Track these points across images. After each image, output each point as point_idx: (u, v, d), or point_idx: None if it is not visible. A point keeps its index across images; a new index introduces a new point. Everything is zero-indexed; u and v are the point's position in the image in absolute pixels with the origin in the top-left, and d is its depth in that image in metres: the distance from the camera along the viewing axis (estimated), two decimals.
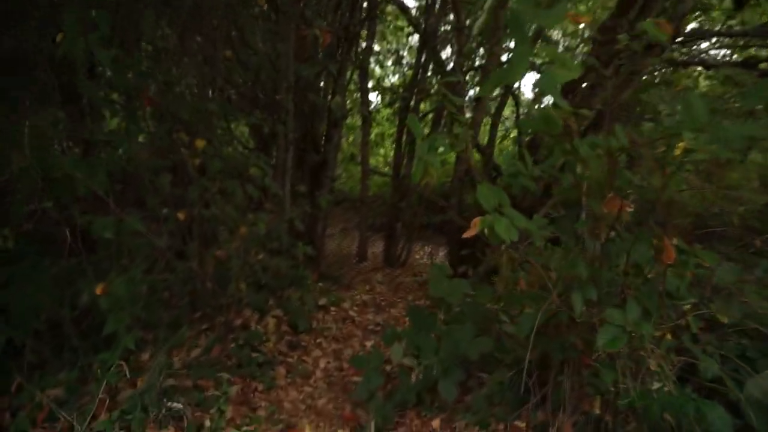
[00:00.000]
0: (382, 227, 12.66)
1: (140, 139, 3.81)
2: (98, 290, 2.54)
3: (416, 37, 8.87)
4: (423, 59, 7.63)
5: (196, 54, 4.06)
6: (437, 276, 3.40)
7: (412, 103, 7.76)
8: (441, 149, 2.24)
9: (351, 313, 4.88)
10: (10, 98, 2.76)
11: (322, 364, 3.80)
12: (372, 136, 9.15)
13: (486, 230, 1.88)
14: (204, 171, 3.88)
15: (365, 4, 5.98)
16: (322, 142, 6.00)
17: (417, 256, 10.00)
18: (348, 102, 8.31)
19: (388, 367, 3.64)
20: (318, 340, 4.19)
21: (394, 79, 10.95)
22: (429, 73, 7.81)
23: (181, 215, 3.38)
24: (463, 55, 5.90)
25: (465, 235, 1.89)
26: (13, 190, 2.49)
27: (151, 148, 3.65)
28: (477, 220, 1.88)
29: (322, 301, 4.93)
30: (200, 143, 3.74)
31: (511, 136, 11.97)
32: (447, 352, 2.90)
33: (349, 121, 10.08)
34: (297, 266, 4.91)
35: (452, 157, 11.24)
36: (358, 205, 12.18)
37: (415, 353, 3.13)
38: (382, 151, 12.92)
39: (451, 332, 3.09)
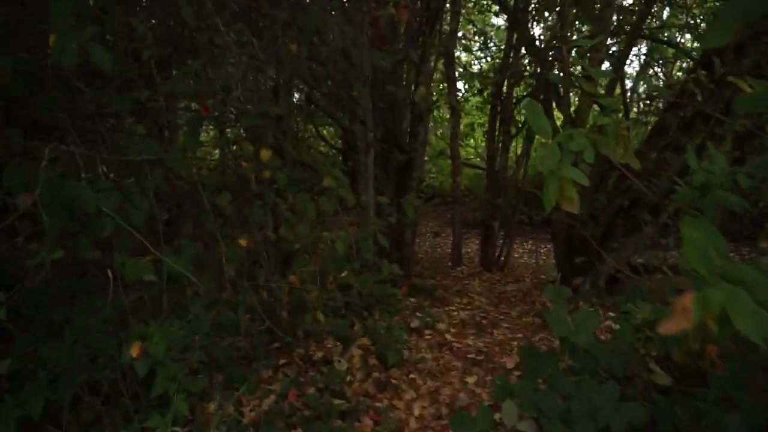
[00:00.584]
0: (477, 224, 11.81)
1: (198, 154, 3.33)
2: (133, 352, 2.01)
3: (502, 15, 7.96)
4: (514, 39, 6.72)
5: (256, 50, 3.50)
6: (556, 307, 2.60)
7: (505, 88, 6.88)
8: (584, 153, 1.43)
9: (448, 336, 4.17)
10: (25, 119, 2.33)
11: (416, 410, 3.12)
12: (461, 126, 8.36)
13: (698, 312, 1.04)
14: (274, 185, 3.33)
15: None
16: (407, 139, 5.31)
17: (516, 254, 9.11)
18: (433, 93, 7.58)
19: (497, 416, 2.92)
20: (411, 376, 3.52)
21: (482, 64, 10.04)
22: (522, 54, 6.89)
23: (242, 241, 2.83)
24: (566, 26, 4.95)
25: (665, 329, 1.09)
26: (14, 237, 2.04)
27: (211, 163, 3.14)
28: (687, 301, 1.03)
29: (415, 323, 4.26)
30: (266, 154, 3.17)
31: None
32: (583, 427, 2.10)
33: (435, 113, 9.33)
34: (384, 282, 4.28)
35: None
36: (450, 201, 11.41)
37: (534, 416, 2.37)
38: (472, 141, 12.05)
39: (584, 389, 2.29)
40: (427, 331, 4.24)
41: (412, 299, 5.02)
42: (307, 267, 3.44)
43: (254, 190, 3.05)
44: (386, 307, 4.39)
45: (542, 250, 10.08)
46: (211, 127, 5.32)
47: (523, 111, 7.43)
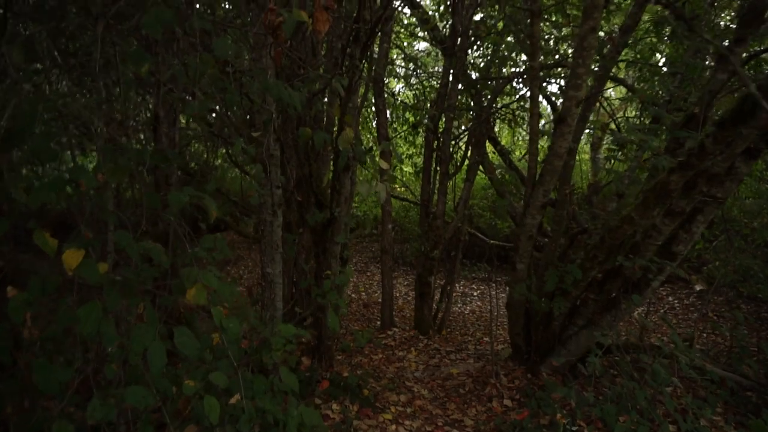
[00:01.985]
0: (403, 260, 10.55)
1: None
2: None
3: (434, 41, 6.79)
4: (451, 70, 5.53)
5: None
6: None
7: (442, 123, 5.67)
8: None
9: None
10: None
11: None
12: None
13: None
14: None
15: None
16: (328, 191, 3.89)
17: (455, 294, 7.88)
18: (362, 136, 6.27)
19: None
20: None
21: (411, 92, 8.86)
22: (459, 86, 5.70)
23: None
24: (536, 54, 3.71)
25: None
26: None
27: None
28: None
29: None
30: (73, 258, 1.67)
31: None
32: None
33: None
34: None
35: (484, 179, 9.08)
36: (377, 240, 10.08)
37: None
38: (397, 172, 10.81)
39: None
40: None
41: (334, 406, 3.58)
42: None
43: (29, 338, 1.50)
44: None
45: (476, 293, 8.97)
46: None
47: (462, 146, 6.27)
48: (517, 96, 6.84)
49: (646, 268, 3.57)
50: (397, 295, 8.22)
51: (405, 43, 8.40)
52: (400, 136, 8.58)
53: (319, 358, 4.02)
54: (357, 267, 10.19)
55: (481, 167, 5.85)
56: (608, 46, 3.68)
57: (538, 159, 3.96)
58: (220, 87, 2.76)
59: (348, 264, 3.98)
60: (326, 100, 4.04)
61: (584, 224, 4.08)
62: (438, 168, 5.77)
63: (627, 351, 4.20)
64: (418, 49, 10.21)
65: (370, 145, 7.40)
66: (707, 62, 4.64)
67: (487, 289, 9.05)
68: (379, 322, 6.10)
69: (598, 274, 3.81)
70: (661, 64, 6.09)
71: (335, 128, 3.70)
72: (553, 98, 6.67)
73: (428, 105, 6.57)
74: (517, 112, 6.45)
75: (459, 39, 5.43)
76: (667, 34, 4.15)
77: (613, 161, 4.66)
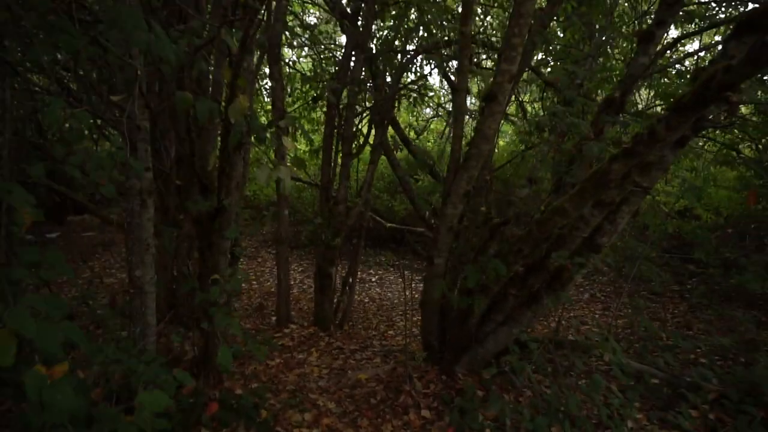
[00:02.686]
0: (299, 244, 9.85)
1: None
2: None
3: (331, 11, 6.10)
4: (355, 40, 4.94)
5: None
6: None
7: (345, 98, 5.08)
8: None
9: None
10: None
11: None
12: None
13: None
14: None
15: None
16: (216, 175, 3.14)
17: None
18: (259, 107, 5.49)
19: None
20: None
21: (307, 64, 8.13)
22: (363, 59, 5.12)
23: None
24: (469, 18, 3.22)
25: None
26: None
27: None
28: None
29: None
30: None
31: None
32: None
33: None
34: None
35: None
36: (272, 237, 9.33)
37: None
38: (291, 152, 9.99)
39: None
40: None
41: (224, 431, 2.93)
42: None
43: None
44: None
45: (374, 278, 8.56)
46: None
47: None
48: (419, 74, 6.44)
49: (573, 262, 3.33)
50: (292, 283, 7.56)
51: (300, 10, 7.64)
52: (296, 111, 7.82)
53: (205, 374, 3.31)
54: (247, 252, 9.33)
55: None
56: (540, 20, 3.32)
57: (463, 142, 3.54)
58: (56, 27, 1.95)
59: (239, 262, 3.29)
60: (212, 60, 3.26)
61: (489, 209, 3.76)
62: (340, 148, 5.19)
63: (545, 347, 4.00)
64: (315, 15, 9.45)
65: (265, 120, 6.58)
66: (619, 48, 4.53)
67: (385, 274, 8.72)
68: (274, 318, 5.44)
69: (520, 267, 3.52)
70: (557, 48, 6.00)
71: (224, 97, 2.96)
72: (452, 76, 6.35)
73: (327, 77, 5.91)
74: (422, 91, 6.02)
75: (364, 5, 4.85)
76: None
77: (526, 145, 4.40)
